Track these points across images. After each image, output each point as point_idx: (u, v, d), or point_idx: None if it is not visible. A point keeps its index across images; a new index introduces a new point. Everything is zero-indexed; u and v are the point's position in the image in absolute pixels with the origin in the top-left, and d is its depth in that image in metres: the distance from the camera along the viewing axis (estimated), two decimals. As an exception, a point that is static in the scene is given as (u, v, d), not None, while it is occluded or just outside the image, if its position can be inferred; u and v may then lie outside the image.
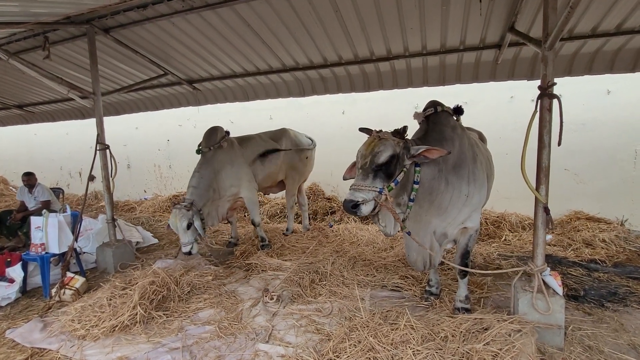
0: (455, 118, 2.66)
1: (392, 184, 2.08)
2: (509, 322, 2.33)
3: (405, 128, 2.22)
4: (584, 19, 3.24)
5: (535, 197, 2.45)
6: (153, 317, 2.83)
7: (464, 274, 2.74)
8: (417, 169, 2.23)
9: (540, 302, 2.33)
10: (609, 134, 4.90)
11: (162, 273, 3.22)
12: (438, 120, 2.46)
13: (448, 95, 5.76)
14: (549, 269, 2.39)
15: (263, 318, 2.85)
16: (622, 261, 3.90)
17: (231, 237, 5.02)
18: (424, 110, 2.57)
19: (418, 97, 6.15)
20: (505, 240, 4.88)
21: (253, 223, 4.49)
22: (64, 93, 4.05)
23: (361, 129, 2.36)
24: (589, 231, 4.65)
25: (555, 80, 4.36)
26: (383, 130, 2.23)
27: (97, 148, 3.97)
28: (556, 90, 5.48)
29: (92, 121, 7.45)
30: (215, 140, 4.23)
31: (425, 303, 3.01)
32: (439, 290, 3.11)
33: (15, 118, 7.61)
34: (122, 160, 8.81)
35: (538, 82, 4.38)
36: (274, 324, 2.77)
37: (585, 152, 5.03)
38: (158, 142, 8.33)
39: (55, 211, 4.61)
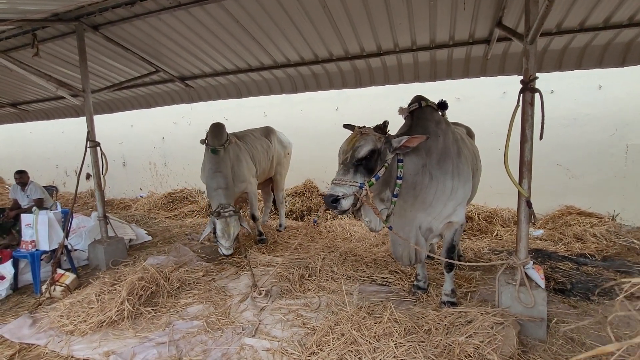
0: (440, 113, 2.67)
1: (373, 179, 2.09)
2: (492, 315, 2.35)
3: (385, 123, 2.23)
4: (572, 13, 3.24)
5: (518, 191, 2.46)
6: (141, 313, 2.85)
7: (449, 268, 2.76)
8: (400, 164, 2.24)
9: (523, 295, 2.35)
10: (600, 128, 4.91)
11: (151, 269, 3.24)
12: (422, 116, 2.47)
13: (441, 91, 5.74)
14: (532, 262, 2.41)
15: (251, 313, 2.87)
16: (611, 255, 3.93)
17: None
18: (409, 105, 2.58)
19: (411, 94, 6.01)
20: (497, 235, 4.90)
21: (253, 218, 4.52)
22: (53, 90, 4.03)
23: (345, 126, 2.37)
24: (580, 226, 4.67)
25: (547, 75, 4.40)
26: (366, 127, 2.23)
27: (88, 145, 3.97)
28: (549, 85, 5.49)
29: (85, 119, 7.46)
30: (224, 137, 4.23)
31: (413, 297, 3.03)
32: (426, 285, 3.13)
33: (9, 116, 7.60)
34: (117, 158, 8.83)
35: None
36: (262, 318, 2.79)
37: (577, 147, 5.04)
38: (153, 140, 8.34)
39: (47, 209, 4.62)
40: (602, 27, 3.37)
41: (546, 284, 3.19)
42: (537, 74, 4.22)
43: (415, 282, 3.17)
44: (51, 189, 5.63)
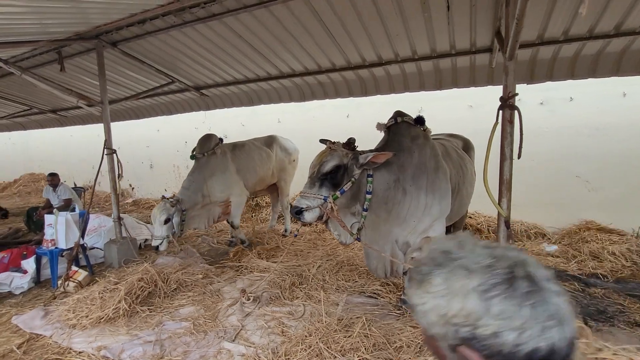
0: (423, 128, 2.65)
1: (338, 193, 2.14)
2: (466, 336, 2.30)
3: (351, 140, 2.27)
4: (577, 22, 3.08)
5: (498, 211, 2.38)
6: (137, 312, 3.07)
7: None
8: (370, 179, 2.27)
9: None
10: (624, 138, 4.57)
11: (152, 270, 3.46)
12: (398, 131, 2.47)
13: (453, 98, 5.66)
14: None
15: (236, 317, 2.99)
16: (625, 276, 3.65)
17: (232, 237, 5.24)
18: (388, 120, 2.59)
19: (422, 101, 6.05)
20: (506, 249, 4.70)
21: (232, 225, 4.69)
22: (74, 102, 4.43)
23: (321, 140, 2.42)
24: (598, 243, 4.37)
25: (565, 82, 4.19)
26: (337, 142, 2.28)
27: (105, 153, 4.30)
28: (568, 93, 5.19)
29: (119, 124, 8.03)
30: (209, 147, 4.46)
31: (398, 311, 3.01)
32: (413, 299, 3.10)
33: (51, 121, 8.35)
34: (145, 160, 9.41)
35: (544, 85, 4.20)
36: (245, 323, 2.91)
37: (598, 158, 4.72)
38: (176, 144, 8.78)
39: (74, 208, 5.06)
40: (613, 34, 3.17)
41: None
42: (551, 82, 4.05)
43: (402, 296, 3.14)
44: (79, 190, 6.13)
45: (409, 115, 2.60)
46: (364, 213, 2.30)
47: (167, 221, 3.76)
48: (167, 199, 3.89)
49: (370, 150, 2.41)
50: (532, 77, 3.97)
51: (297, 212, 2.12)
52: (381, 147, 2.45)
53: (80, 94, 4.36)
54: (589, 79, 3.85)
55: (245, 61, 4.52)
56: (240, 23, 3.61)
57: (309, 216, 2.11)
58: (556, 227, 5.04)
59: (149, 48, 4.37)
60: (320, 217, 2.14)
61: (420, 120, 2.55)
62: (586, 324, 2.78)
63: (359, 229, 2.35)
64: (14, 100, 6.89)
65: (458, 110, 5.69)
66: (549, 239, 4.92)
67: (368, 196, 2.27)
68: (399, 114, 2.55)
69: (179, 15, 3.54)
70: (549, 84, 4.11)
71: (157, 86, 5.43)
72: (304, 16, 3.39)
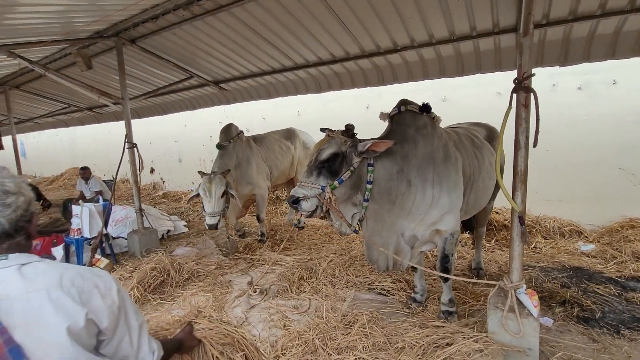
0: (433, 116, 2.47)
1: (336, 183, 2.06)
2: (473, 341, 2.13)
3: (348, 126, 2.16)
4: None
5: (511, 206, 2.17)
6: (149, 300, 3.16)
7: (445, 279, 2.57)
8: (370, 168, 2.15)
9: (511, 322, 2.08)
10: (678, 126, 4.04)
11: (165, 260, 3.56)
12: (401, 121, 2.32)
13: (480, 85, 5.32)
14: (524, 286, 2.12)
15: (241, 309, 3.00)
16: (673, 281, 3.24)
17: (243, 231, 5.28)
18: (392, 109, 2.44)
19: (447, 89, 5.74)
20: (535, 247, 4.36)
21: (259, 218, 4.68)
22: (96, 99, 4.63)
23: (322, 129, 2.33)
24: (643, 242, 3.93)
25: (607, 64, 3.80)
26: (337, 130, 2.18)
27: (126, 147, 4.47)
28: (610, 75, 4.71)
29: (151, 121, 8.35)
30: (232, 135, 4.48)
31: (407, 310, 2.88)
32: (424, 298, 2.94)
33: (89, 118, 8.88)
34: (174, 154, 9.77)
35: (583, 67, 3.81)
36: (249, 315, 2.91)
37: (645, 148, 4.23)
38: (202, 138, 9.02)
39: (106, 200, 5.35)
40: (661, 4, 2.77)
41: (568, 311, 2.78)
42: (590, 63, 3.65)
43: (412, 294, 3.00)
44: (110, 183, 6.46)
45: (415, 104, 2.42)
46: (365, 203, 2.20)
47: (224, 194, 3.68)
48: (210, 173, 3.82)
49: (371, 139, 2.29)
50: (566, 59, 3.60)
51: (294, 202, 2.06)
52: (384, 137, 2.31)
53: (101, 91, 4.55)
54: (634, 59, 3.44)
55: (258, 53, 4.49)
56: (248, 13, 3.56)
57: (305, 205, 2.05)
58: (595, 225, 4.60)
59: (165, 44, 4.46)
60: (319, 208, 2.07)
61: (426, 108, 2.37)
62: (619, 332, 2.50)
63: (360, 220, 2.26)
64: (53, 99, 7.39)
65: (486, 98, 5.33)
66: (586, 237, 4.50)
67: (369, 186, 2.16)
68: (402, 103, 2.39)
69: (188, 8, 3.57)
70: (588, 65, 3.72)
71: (177, 81, 5.56)
72: (310, 2, 3.27)
